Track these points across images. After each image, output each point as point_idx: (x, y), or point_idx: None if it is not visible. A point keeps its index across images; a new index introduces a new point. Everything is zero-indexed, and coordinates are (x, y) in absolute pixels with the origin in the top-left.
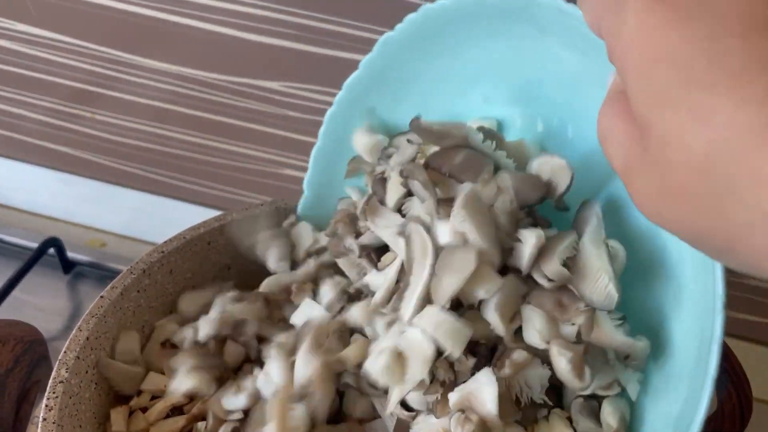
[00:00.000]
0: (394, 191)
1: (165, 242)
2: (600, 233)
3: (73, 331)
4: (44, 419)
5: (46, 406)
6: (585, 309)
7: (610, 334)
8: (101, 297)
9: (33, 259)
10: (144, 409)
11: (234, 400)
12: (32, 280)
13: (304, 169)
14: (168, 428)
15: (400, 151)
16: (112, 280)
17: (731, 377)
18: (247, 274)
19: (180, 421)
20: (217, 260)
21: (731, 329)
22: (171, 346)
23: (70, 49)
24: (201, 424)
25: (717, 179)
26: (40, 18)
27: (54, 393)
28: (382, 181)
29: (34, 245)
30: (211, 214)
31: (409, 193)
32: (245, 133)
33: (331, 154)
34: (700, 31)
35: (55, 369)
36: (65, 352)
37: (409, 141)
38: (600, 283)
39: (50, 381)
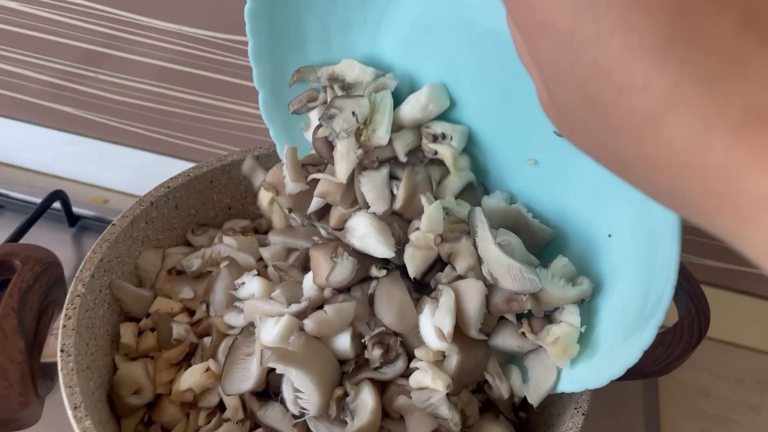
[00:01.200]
0: (344, 163)
1: (170, 179)
2: (488, 237)
3: (88, 253)
4: (64, 326)
5: (66, 315)
6: (525, 297)
7: (561, 295)
8: (113, 224)
9: (40, 211)
10: (153, 330)
11: (235, 318)
12: (39, 232)
13: None
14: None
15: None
16: None
17: (690, 295)
18: (246, 216)
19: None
20: (218, 199)
21: (697, 274)
22: (177, 274)
23: (74, 9)
24: (206, 339)
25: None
26: None
27: (72, 305)
28: (328, 144)
29: (40, 200)
30: None
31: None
32: (245, 92)
33: (267, 49)
34: None
35: (72, 285)
36: (81, 270)
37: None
38: (515, 274)
39: (68, 295)
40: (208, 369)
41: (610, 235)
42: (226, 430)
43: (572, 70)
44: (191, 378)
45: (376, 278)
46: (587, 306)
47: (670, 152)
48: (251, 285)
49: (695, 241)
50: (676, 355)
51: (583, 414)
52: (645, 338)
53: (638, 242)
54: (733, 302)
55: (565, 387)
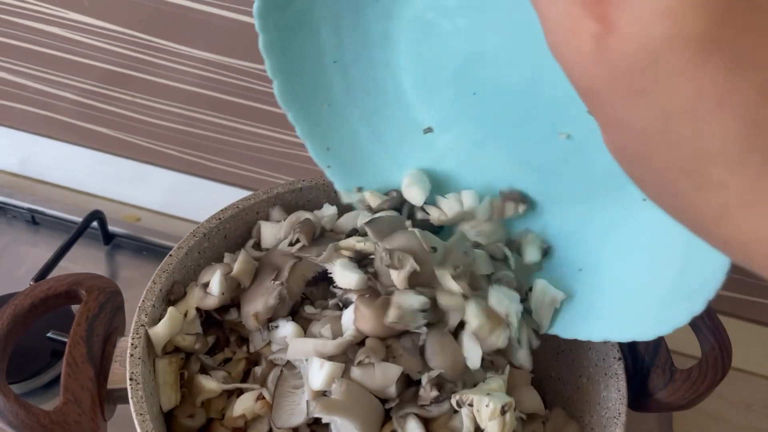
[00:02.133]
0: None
1: (221, 211)
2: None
3: (148, 284)
4: (131, 355)
5: (132, 344)
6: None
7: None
8: (170, 255)
9: (80, 231)
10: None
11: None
12: (77, 250)
13: None
14: (232, 368)
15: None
16: (147, 251)
17: (713, 331)
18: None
19: (241, 363)
20: None
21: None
22: None
23: (107, 34)
24: (257, 369)
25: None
26: (91, 7)
27: (137, 334)
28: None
29: (76, 218)
30: (239, 193)
31: None
32: (271, 117)
33: (278, 43)
34: None
35: (136, 314)
36: (144, 300)
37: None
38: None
39: (134, 324)
40: (260, 396)
41: (644, 200)
42: None
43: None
44: (244, 404)
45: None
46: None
47: (748, 237)
48: (285, 329)
49: None
50: (702, 390)
51: None
52: (696, 306)
53: None
54: (741, 330)
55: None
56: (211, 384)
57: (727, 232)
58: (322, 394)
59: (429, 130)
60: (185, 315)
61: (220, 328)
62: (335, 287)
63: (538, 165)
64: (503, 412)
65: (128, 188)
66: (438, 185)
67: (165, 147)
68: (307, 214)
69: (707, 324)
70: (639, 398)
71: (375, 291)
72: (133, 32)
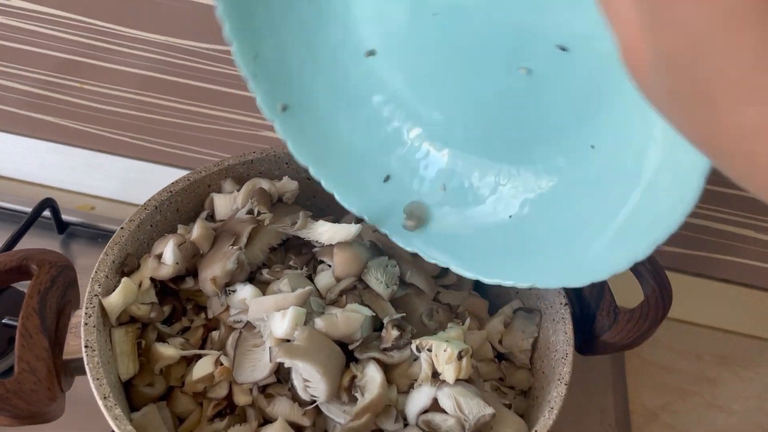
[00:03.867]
0: None
1: (172, 183)
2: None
3: (101, 256)
4: (86, 323)
5: (86, 314)
6: None
7: None
8: (121, 228)
9: (31, 219)
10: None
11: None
12: (30, 240)
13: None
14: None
15: None
16: (102, 238)
17: (654, 276)
18: None
19: (199, 330)
20: None
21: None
22: None
23: (56, 21)
24: (215, 333)
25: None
26: None
27: (91, 303)
28: None
29: (28, 209)
30: None
31: None
32: (227, 98)
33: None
34: None
35: (89, 285)
36: (96, 272)
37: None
38: None
39: (87, 295)
40: (218, 361)
41: (593, 146)
42: (237, 430)
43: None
44: (202, 369)
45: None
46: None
47: None
48: (243, 291)
49: None
50: (644, 329)
51: (565, 384)
52: (639, 251)
53: (622, 160)
54: (690, 285)
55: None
56: (168, 351)
57: (763, 149)
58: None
59: (371, 53)
60: (140, 285)
61: (177, 298)
62: (316, 243)
63: (491, 103)
64: (460, 357)
65: (82, 177)
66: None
67: (118, 134)
68: (263, 182)
69: (648, 269)
70: (587, 341)
71: None
72: (83, 18)
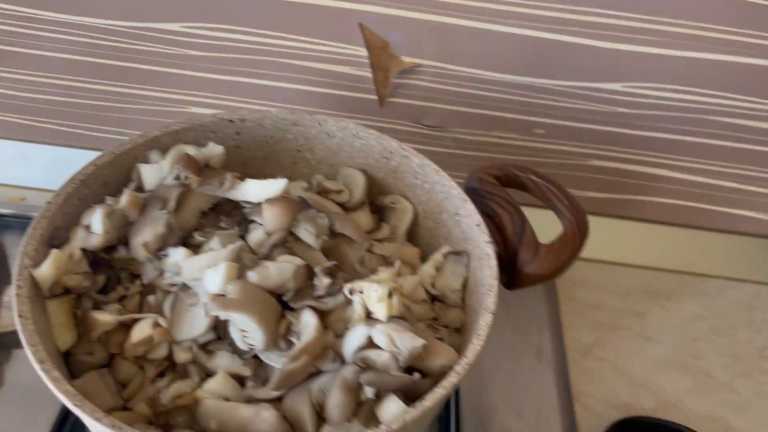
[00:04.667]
0: None
1: (97, 157)
2: None
3: (28, 230)
4: (18, 294)
5: (18, 285)
6: None
7: None
8: (48, 203)
9: None
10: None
11: (177, 278)
12: None
13: (210, 106)
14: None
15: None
16: None
17: (571, 210)
18: None
19: (136, 297)
20: None
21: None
22: None
23: None
24: (151, 298)
25: None
26: None
27: (21, 275)
28: None
29: None
30: None
31: None
32: (152, 76)
33: None
34: None
35: (19, 258)
36: (25, 245)
37: None
38: None
39: (16, 268)
40: (156, 323)
41: None
42: (179, 387)
43: None
44: (140, 332)
45: None
46: None
47: None
48: (176, 254)
49: (578, 176)
50: (564, 259)
51: (491, 313)
52: None
53: None
54: (615, 227)
55: None
56: (104, 317)
57: None
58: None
59: None
60: (71, 257)
61: (111, 268)
62: (245, 203)
63: None
64: (390, 295)
65: (9, 169)
66: None
67: (44, 122)
68: (188, 148)
69: (566, 205)
70: (512, 277)
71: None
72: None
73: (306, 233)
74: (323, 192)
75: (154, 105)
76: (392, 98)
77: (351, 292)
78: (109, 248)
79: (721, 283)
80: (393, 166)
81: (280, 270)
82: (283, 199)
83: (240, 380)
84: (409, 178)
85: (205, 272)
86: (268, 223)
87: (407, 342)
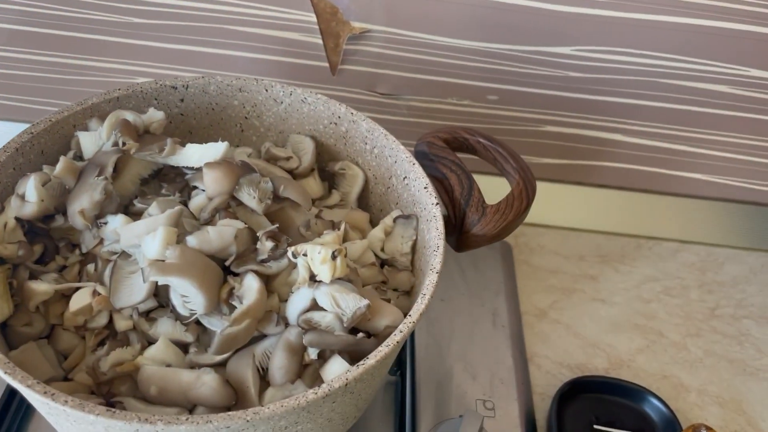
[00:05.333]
0: None
1: (32, 125)
2: None
3: None
4: None
5: None
6: None
7: None
8: None
9: None
10: None
11: (116, 246)
12: None
13: (156, 76)
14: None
15: None
16: None
17: (518, 171)
18: None
19: (75, 267)
20: None
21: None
22: None
23: None
24: (90, 267)
25: None
26: None
27: None
28: None
29: None
30: None
31: None
32: (95, 46)
33: None
34: None
35: None
36: None
37: None
38: None
39: None
40: (95, 292)
41: None
42: (118, 355)
43: None
44: (79, 300)
45: None
46: None
47: None
48: (114, 221)
49: (532, 142)
50: (510, 218)
51: (436, 273)
52: None
53: None
54: (571, 193)
55: None
56: (41, 286)
57: None
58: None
59: None
60: (5, 226)
61: (49, 238)
62: (187, 169)
63: None
64: (334, 257)
65: None
66: None
67: None
68: (126, 113)
69: (514, 166)
70: (460, 239)
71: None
72: None
73: (248, 197)
74: (272, 159)
75: (98, 76)
76: (344, 65)
77: (294, 255)
78: (47, 218)
79: (674, 245)
80: (342, 131)
81: (221, 234)
82: (224, 162)
83: (183, 347)
84: (359, 143)
85: (144, 238)
86: (209, 187)
87: (351, 303)
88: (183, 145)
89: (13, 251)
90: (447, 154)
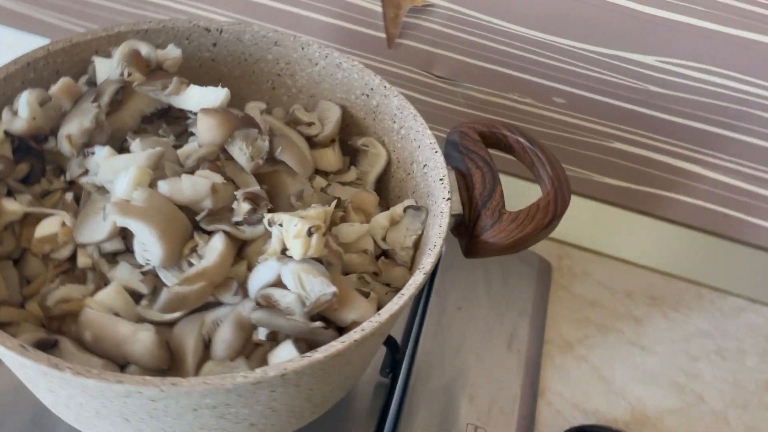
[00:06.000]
0: None
1: (51, 43)
2: None
3: None
4: None
5: None
6: None
7: None
8: None
9: None
10: None
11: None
12: None
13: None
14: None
15: None
16: None
17: (553, 180)
18: None
19: (57, 193)
20: None
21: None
22: None
23: None
24: (68, 195)
25: None
26: None
27: None
28: None
29: None
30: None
31: None
32: None
33: None
34: None
35: None
36: None
37: None
38: None
39: None
40: (63, 222)
41: None
42: (66, 291)
43: None
44: (46, 229)
45: None
46: None
47: None
48: (100, 153)
49: (597, 158)
50: (527, 231)
51: (424, 273)
52: None
53: None
54: (631, 221)
55: None
56: (12, 206)
57: None
58: None
59: None
60: None
61: (40, 159)
62: (190, 113)
63: None
64: (310, 233)
65: None
66: None
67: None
68: (141, 45)
69: (549, 174)
70: (469, 243)
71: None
72: None
73: (239, 152)
74: (293, 122)
75: (145, 8)
76: (401, 39)
77: (270, 223)
78: (41, 138)
79: (739, 302)
80: (373, 105)
81: (194, 184)
82: (222, 111)
83: (137, 297)
84: (388, 121)
85: (119, 175)
86: (200, 134)
87: (316, 286)
88: (189, 85)
89: None
90: (478, 149)
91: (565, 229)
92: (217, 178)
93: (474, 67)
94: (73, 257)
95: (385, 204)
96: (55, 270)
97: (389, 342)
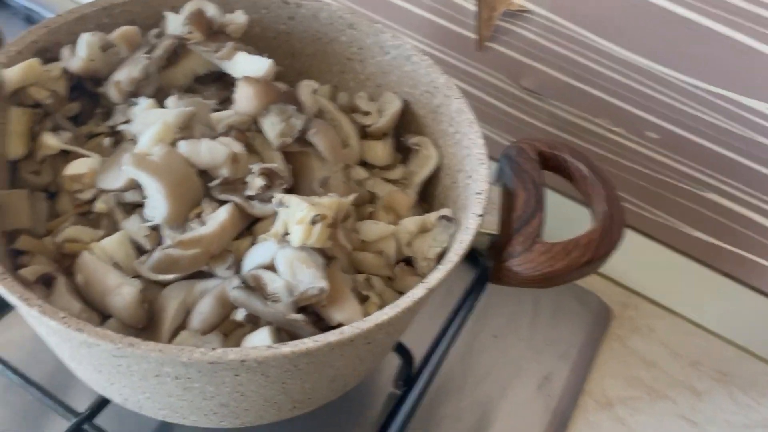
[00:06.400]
0: None
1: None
2: None
3: (23, 33)
4: None
5: None
6: None
7: None
8: (58, 15)
9: None
10: None
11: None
12: None
13: None
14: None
15: None
16: None
17: (605, 218)
18: None
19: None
20: None
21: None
22: None
23: None
24: (106, 140)
25: None
26: None
27: None
28: None
29: None
30: None
31: None
32: None
33: None
34: None
35: None
36: (9, 45)
37: None
38: None
39: None
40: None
41: None
42: (73, 232)
43: None
44: (75, 168)
45: None
46: None
47: None
48: (142, 104)
49: (686, 206)
50: (558, 267)
51: (428, 289)
52: None
53: None
54: (713, 283)
55: None
56: (50, 140)
57: None
58: None
59: None
60: (49, 72)
61: (94, 101)
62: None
63: None
64: (314, 222)
65: None
66: None
67: None
68: (208, 5)
69: (604, 210)
70: (494, 267)
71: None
72: None
73: (270, 126)
74: (350, 109)
75: None
76: (492, 43)
77: (280, 204)
78: (98, 82)
79: None
80: (435, 105)
81: (211, 150)
82: (263, 82)
83: (141, 252)
84: (445, 123)
85: (147, 128)
86: (237, 102)
87: (306, 278)
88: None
89: (44, 96)
90: (531, 168)
91: (636, 276)
92: (238, 147)
93: (564, 84)
94: (93, 201)
95: (428, 209)
96: (75, 209)
97: (402, 352)
